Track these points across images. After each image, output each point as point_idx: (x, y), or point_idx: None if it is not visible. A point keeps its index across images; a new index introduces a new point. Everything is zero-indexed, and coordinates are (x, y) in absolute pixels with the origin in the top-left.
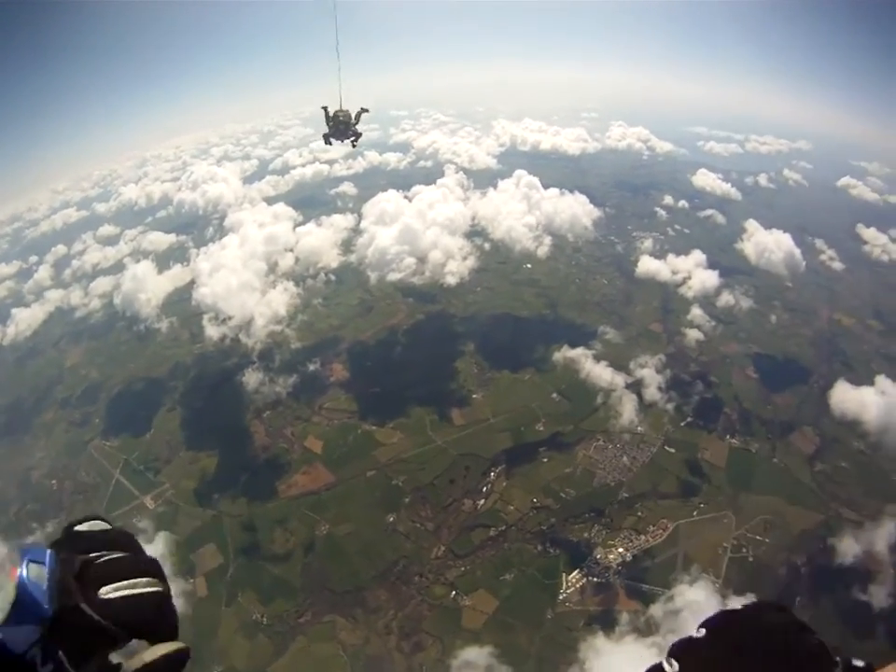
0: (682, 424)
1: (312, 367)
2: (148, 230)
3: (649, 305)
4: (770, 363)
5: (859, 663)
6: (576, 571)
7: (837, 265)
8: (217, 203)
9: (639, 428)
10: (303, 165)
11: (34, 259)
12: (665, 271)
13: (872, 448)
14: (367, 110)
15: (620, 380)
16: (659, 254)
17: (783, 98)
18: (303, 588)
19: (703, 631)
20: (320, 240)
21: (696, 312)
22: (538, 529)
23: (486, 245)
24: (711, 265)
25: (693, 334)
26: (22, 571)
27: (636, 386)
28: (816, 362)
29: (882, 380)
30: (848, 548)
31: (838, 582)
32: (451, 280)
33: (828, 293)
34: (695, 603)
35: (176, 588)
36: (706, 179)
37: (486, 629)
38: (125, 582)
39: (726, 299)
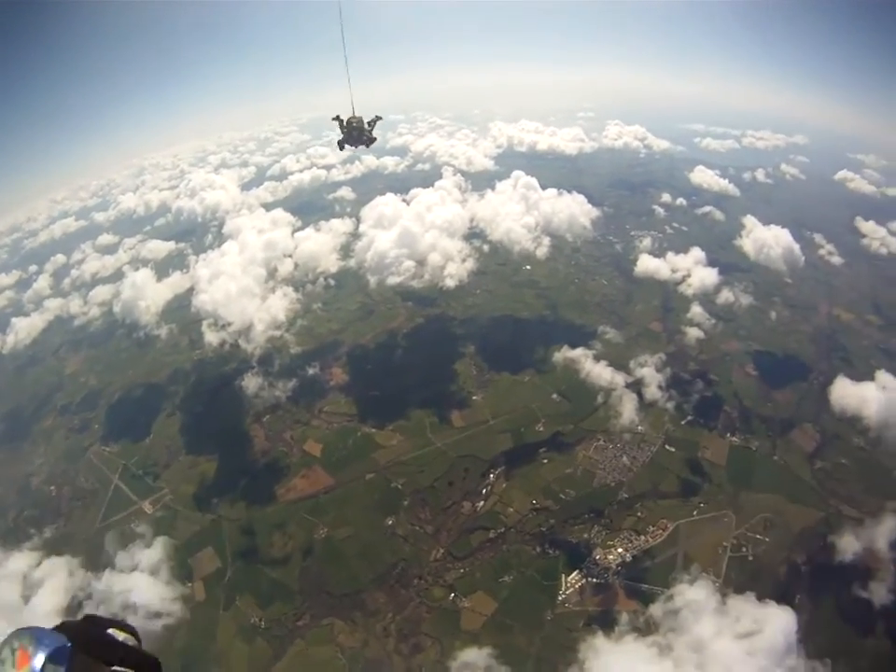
0: (683, 422)
1: (311, 371)
2: (147, 238)
3: (648, 304)
4: (770, 360)
5: None
6: (575, 572)
7: (836, 259)
8: (216, 210)
9: (640, 428)
10: (301, 171)
11: (33, 268)
12: (665, 269)
13: (872, 444)
14: (380, 118)
15: (620, 379)
16: (658, 252)
17: (779, 93)
18: (302, 591)
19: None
20: (319, 245)
21: (696, 310)
22: (537, 531)
23: (485, 247)
24: (710, 262)
25: (693, 332)
26: (36, 664)
27: (636, 386)
28: (815, 358)
29: (882, 375)
30: (849, 545)
31: (838, 580)
32: (450, 283)
33: (827, 288)
34: (695, 602)
35: (174, 592)
36: (703, 176)
37: (485, 630)
38: None
39: (726, 296)
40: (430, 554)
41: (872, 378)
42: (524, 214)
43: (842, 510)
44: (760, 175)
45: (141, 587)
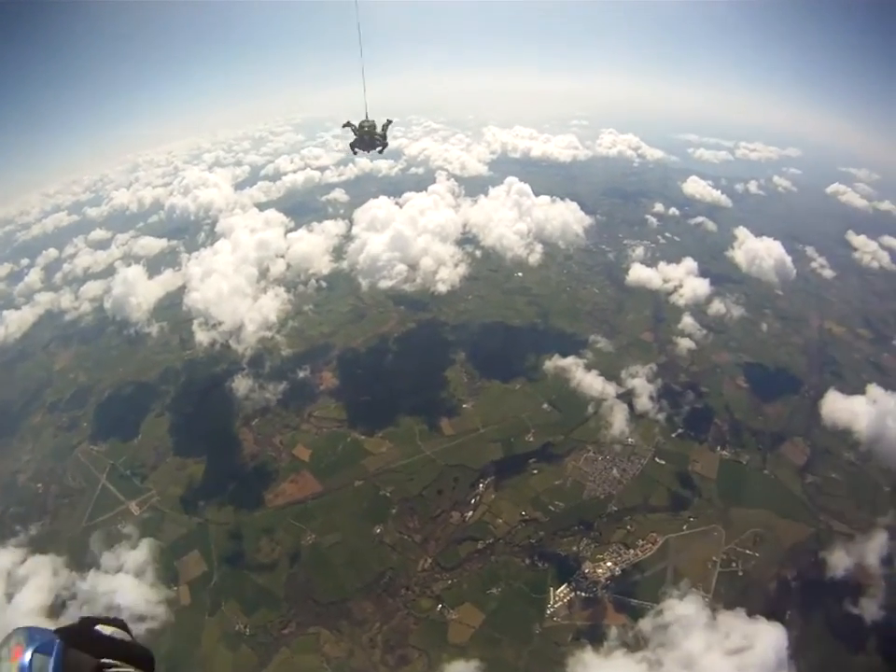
0: (673, 435)
1: (302, 374)
2: (140, 234)
3: (640, 314)
4: (761, 372)
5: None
6: (564, 585)
7: (828, 272)
8: (209, 208)
9: (630, 439)
10: (295, 171)
11: (25, 261)
12: (657, 279)
13: (863, 458)
14: (392, 121)
15: (611, 389)
16: (650, 262)
17: (773, 105)
18: (288, 598)
19: None
20: (311, 246)
21: (687, 320)
22: (526, 542)
23: (477, 253)
24: (702, 273)
25: (685, 343)
26: (25, 658)
27: (627, 396)
28: (806, 371)
29: (873, 389)
30: (839, 561)
31: (829, 596)
32: (442, 288)
33: (818, 301)
34: (685, 617)
35: (159, 595)
36: (696, 186)
37: (473, 643)
38: None
39: (717, 307)
40: (418, 564)
41: (863, 392)
42: (516, 220)
43: (832, 525)
44: (752, 186)
45: (126, 589)
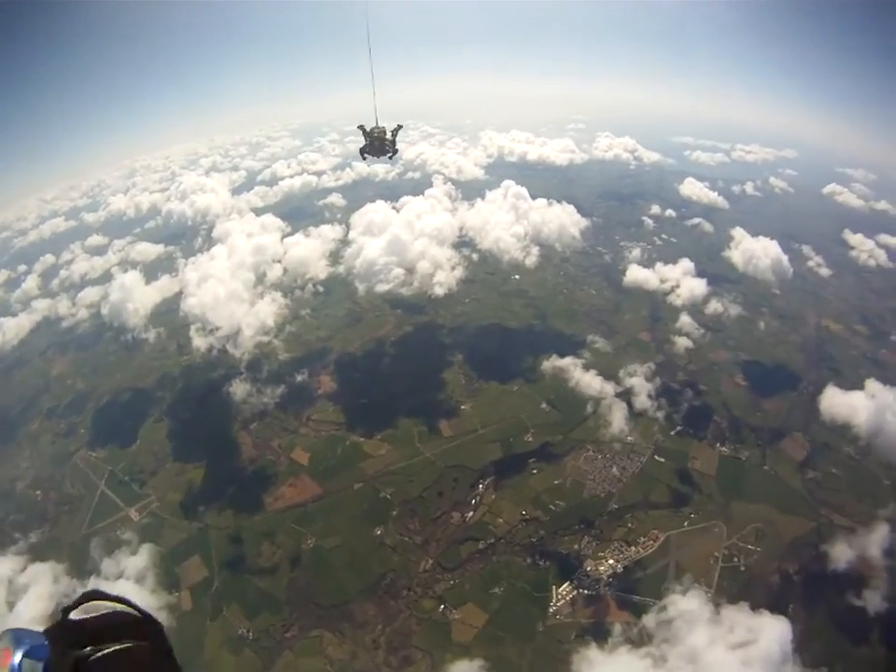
0: (672, 432)
1: (299, 378)
2: (137, 240)
3: (637, 314)
4: (759, 370)
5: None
6: (566, 584)
7: (824, 271)
8: (206, 213)
9: (629, 438)
10: (292, 176)
11: (22, 268)
12: (654, 279)
13: (862, 453)
14: (401, 126)
15: (609, 389)
16: (647, 263)
17: (770, 107)
18: (289, 602)
19: None
20: (308, 251)
21: (685, 320)
22: (527, 542)
23: (474, 256)
24: (699, 273)
25: (682, 342)
26: (15, 660)
27: (625, 395)
28: (805, 368)
29: (872, 383)
30: (841, 554)
31: (832, 589)
32: (439, 291)
33: (815, 299)
34: (688, 613)
35: (160, 601)
36: (692, 188)
37: (476, 643)
38: None
39: (714, 306)
40: (419, 565)
41: (861, 387)
42: (513, 223)
43: (833, 519)
44: (749, 187)
45: (126, 595)
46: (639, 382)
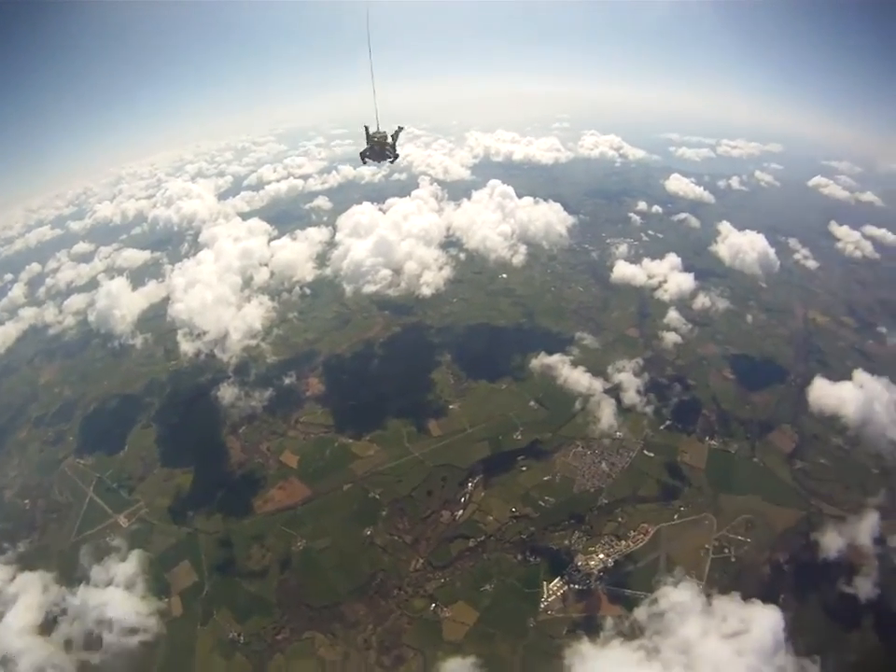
0: (661, 427)
1: (287, 381)
2: (123, 247)
3: (625, 310)
4: (747, 363)
5: None
6: (557, 579)
7: (811, 263)
8: (192, 219)
9: (618, 433)
10: (278, 181)
11: (8, 276)
12: (641, 275)
13: (850, 443)
14: (402, 128)
15: (598, 385)
16: (634, 259)
17: (755, 102)
18: (280, 605)
19: None
20: (295, 253)
21: (673, 315)
22: (517, 538)
23: (461, 256)
24: (686, 268)
25: (671, 337)
26: None
27: (614, 391)
28: (792, 361)
29: (859, 374)
30: (832, 543)
31: (823, 578)
32: (426, 291)
33: (802, 292)
34: (680, 604)
35: (150, 607)
36: (678, 184)
37: (468, 640)
38: None
39: (702, 301)
40: (410, 565)
41: (849, 378)
42: (500, 222)
43: (823, 508)
44: (735, 182)
45: (117, 602)
46: (628, 377)
